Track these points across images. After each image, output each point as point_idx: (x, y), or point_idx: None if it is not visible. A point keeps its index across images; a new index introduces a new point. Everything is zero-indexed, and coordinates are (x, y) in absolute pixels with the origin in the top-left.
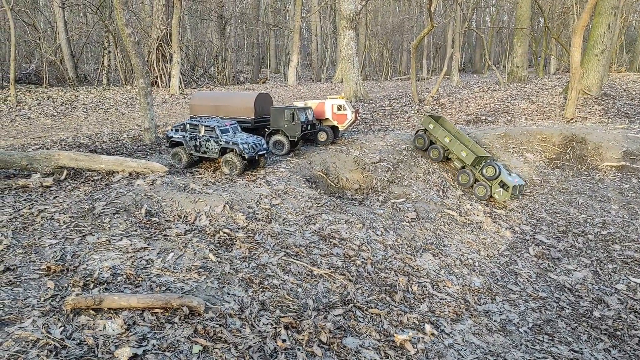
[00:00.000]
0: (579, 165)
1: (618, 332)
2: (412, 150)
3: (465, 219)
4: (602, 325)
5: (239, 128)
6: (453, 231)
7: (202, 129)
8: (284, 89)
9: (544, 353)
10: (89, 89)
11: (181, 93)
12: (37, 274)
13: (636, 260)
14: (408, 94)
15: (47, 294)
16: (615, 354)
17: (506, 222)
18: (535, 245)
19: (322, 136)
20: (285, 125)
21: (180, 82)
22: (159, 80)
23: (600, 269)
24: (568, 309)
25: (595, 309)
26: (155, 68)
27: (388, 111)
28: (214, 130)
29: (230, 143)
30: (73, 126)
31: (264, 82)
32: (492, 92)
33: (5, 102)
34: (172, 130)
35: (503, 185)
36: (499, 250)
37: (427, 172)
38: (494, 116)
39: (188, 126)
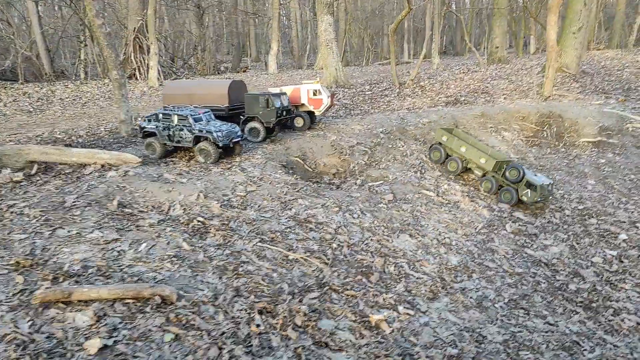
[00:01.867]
0: (557, 142)
1: (593, 304)
2: (389, 133)
3: (443, 199)
4: (577, 297)
5: (213, 116)
6: (430, 211)
7: (175, 118)
8: (264, 77)
9: (519, 327)
10: (66, 84)
11: (160, 85)
12: (5, 269)
13: (612, 234)
14: (389, 78)
15: (15, 288)
16: (590, 326)
17: (484, 201)
18: (512, 222)
19: (298, 122)
20: (260, 112)
21: (159, 73)
22: (137, 73)
23: (577, 243)
24: (544, 283)
25: (571, 282)
26: (133, 60)
27: (368, 96)
28: (187, 119)
29: (204, 131)
30: (50, 121)
31: (244, 71)
32: (472, 73)
33: None
34: (144, 120)
35: (530, 186)
36: (476, 229)
37: (404, 154)
38: (474, 97)
39: (161, 116)
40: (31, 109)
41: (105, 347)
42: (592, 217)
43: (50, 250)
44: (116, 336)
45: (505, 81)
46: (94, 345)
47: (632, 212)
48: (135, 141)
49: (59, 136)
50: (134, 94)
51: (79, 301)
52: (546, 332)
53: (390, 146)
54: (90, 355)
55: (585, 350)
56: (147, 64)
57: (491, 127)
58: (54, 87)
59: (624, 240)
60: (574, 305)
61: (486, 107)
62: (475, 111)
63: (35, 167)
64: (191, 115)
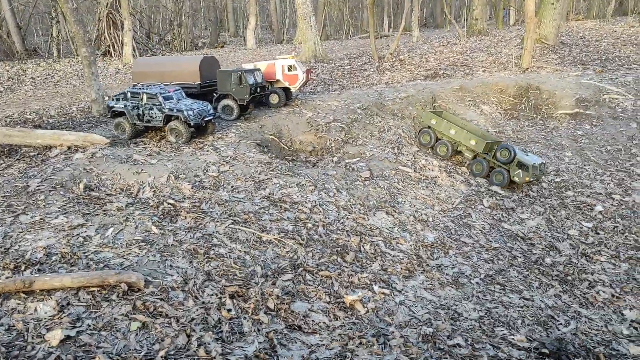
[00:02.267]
0: (534, 115)
1: (569, 277)
2: (366, 108)
3: (420, 174)
4: (553, 271)
5: (184, 94)
6: (407, 188)
7: (144, 97)
8: (243, 52)
9: (495, 303)
10: (38, 62)
11: None
12: None
13: (588, 205)
14: (368, 52)
15: None
16: (566, 299)
17: (461, 176)
18: (490, 196)
19: (274, 98)
20: (233, 89)
21: (134, 50)
22: (111, 49)
23: (554, 216)
24: (520, 257)
25: (547, 256)
26: (107, 37)
27: (347, 70)
28: (157, 97)
29: (175, 110)
30: (21, 101)
31: (222, 47)
32: (451, 46)
33: None
34: (113, 100)
35: (521, 166)
36: (453, 204)
37: (382, 129)
38: (453, 70)
39: (129, 95)
40: (1, 89)
41: (67, 337)
42: (569, 189)
43: (12, 238)
44: (80, 326)
45: (485, 53)
46: (55, 336)
47: (608, 183)
48: (106, 121)
49: (30, 116)
50: (108, 71)
51: (41, 291)
52: (522, 307)
53: (367, 122)
54: (51, 347)
55: (560, 324)
56: (122, 41)
57: (469, 100)
58: (25, 65)
59: (599, 212)
60: (550, 279)
61: (465, 81)
62: (454, 85)
63: None
64: (161, 93)
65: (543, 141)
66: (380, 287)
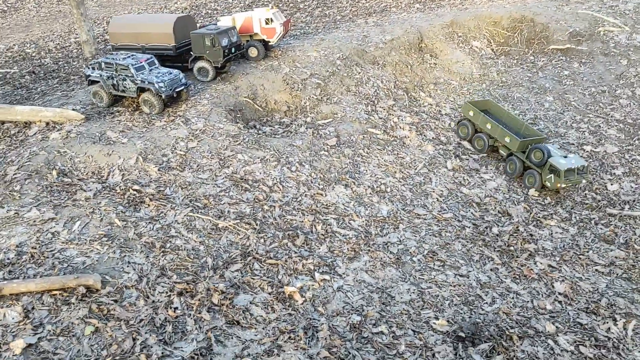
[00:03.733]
0: (526, 50)
1: (511, 248)
2: (346, 58)
3: (389, 135)
4: (497, 242)
5: (157, 62)
6: (372, 154)
7: (117, 67)
8: None
9: (430, 283)
10: None
11: None
12: None
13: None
14: None
15: None
16: (502, 273)
17: (434, 131)
18: (456, 156)
19: (252, 52)
20: (207, 52)
21: None
22: None
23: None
24: (469, 227)
25: (496, 225)
26: None
27: None
28: (129, 69)
29: (146, 82)
30: (24, 24)
31: None
32: None
33: None
34: (88, 68)
35: (553, 170)
36: (416, 169)
37: (359, 82)
38: None
39: (103, 65)
40: (5, 8)
41: (29, 345)
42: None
43: None
44: (41, 332)
45: None
46: (18, 345)
47: (584, 131)
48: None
49: (29, 50)
50: None
51: (10, 294)
52: (454, 286)
53: (345, 74)
54: (15, 355)
55: (486, 303)
56: None
57: (460, 36)
58: None
59: None
60: (492, 251)
61: (457, 13)
62: (445, 19)
63: None
64: (132, 65)
65: (527, 84)
66: (321, 272)
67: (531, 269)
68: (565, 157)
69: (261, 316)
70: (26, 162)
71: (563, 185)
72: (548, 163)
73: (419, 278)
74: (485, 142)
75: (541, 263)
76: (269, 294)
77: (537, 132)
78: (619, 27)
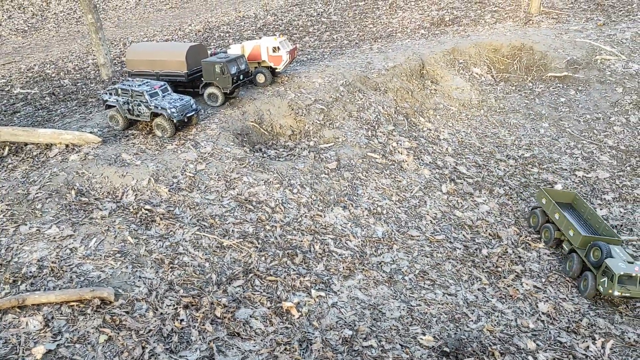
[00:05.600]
0: (525, 76)
1: (499, 269)
2: (350, 84)
3: (388, 160)
4: (486, 263)
5: (169, 89)
6: (370, 177)
7: (133, 94)
8: None
9: (419, 301)
10: None
11: None
12: None
13: (549, 184)
14: None
15: None
16: (488, 293)
17: (431, 156)
18: (451, 180)
19: (260, 78)
20: (217, 79)
21: None
22: None
23: (510, 199)
24: (460, 249)
25: (486, 247)
26: None
27: (360, 8)
28: (143, 95)
29: (159, 108)
30: (44, 44)
31: None
32: None
33: None
34: (106, 93)
35: (607, 272)
36: (412, 192)
37: (361, 108)
38: (464, 10)
39: (120, 90)
40: (26, 28)
41: (49, 351)
42: (535, 165)
43: (13, 249)
44: (59, 340)
45: None
46: (39, 351)
47: (577, 157)
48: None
49: (48, 71)
50: (129, 3)
51: (32, 305)
52: (442, 304)
53: (348, 100)
54: (36, 359)
55: (471, 321)
56: None
57: (461, 63)
58: None
59: None
60: (480, 272)
61: (459, 41)
62: (447, 46)
63: (7, 149)
64: (147, 91)
65: (524, 110)
66: (317, 289)
67: (517, 290)
68: (631, 262)
69: (260, 329)
70: (47, 182)
71: (617, 294)
72: (604, 264)
73: (409, 296)
74: (552, 234)
75: (527, 284)
76: (268, 308)
77: (613, 233)
78: (616, 55)
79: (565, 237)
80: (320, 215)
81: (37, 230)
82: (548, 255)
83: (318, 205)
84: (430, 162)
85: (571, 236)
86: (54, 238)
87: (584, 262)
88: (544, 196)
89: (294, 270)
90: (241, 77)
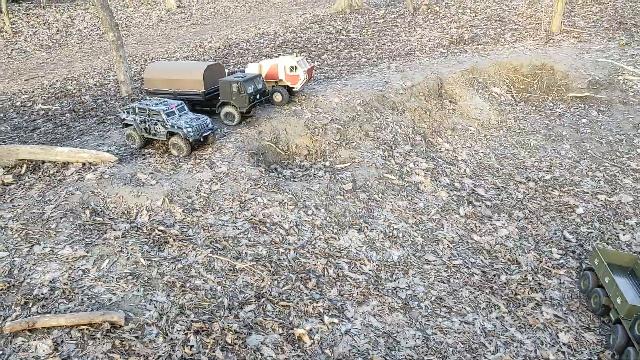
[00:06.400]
0: (546, 96)
1: (518, 297)
2: (367, 104)
3: (404, 181)
4: (504, 290)
5: (186, 108)
6: (386, 199)
7: (150, 113)
8: None
9: (435, 329)
10: (86, 7)
11: (178, 7)
12: None
13: (570, 208)
14: None
15: None
16: (507, 321)
17: (448, 177)
18: (469, 202)
19: (277, 97)
20: (234, 98)
21: None
22: None
23: (530, 223)
24: (477, 274)
25: (504, 273)
26: None
27: (379, 26)
28: (160, 114)
29: (176, 127)
30: (67, 60)
31: None
32: None
33: (2, 34)
34: (124, 112)
35: None
36: (428, 215)
37: (378, 128)
38: (483, 29)
39: (137, 109)
40: (50, 44)
41: None
42: (556, 188)
43: (26, 270)
44: None
45: (524, 3)
46: None
47: (599, 180)
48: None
49: (70, 87)
50: (151, 19)
51: (43, 328)
52: (459, 333)
53: (365, 120)
54: None
55: (488, 351)
56: None
57: (480, 82)
58: (74, 11)
59: (579, 215)
60: (498, 299)
61: (478, 60)
62: (466, 65)
63: (25, 167)
64: (164, 110)
65: (544, 131)
66: (330, 316)
67: (537, 319)
68: None
69: (271, 356)
70: (63, 201)
71: None
72: None
73: (425, 324)
74: (600, 300)
75: (547, 312)
76: (280, 335)
77: None
78: (639, 76)
79: (613, 305)
80: (335, 238)
81: (50, 250)
82: (570, 283)
83: (333, 228)
84: (447, 184)
85: (618, 304)
86: (67, 259)
87: (627, 336)
88: (597, 256)
89: (307, 295)
90: (258, 96)
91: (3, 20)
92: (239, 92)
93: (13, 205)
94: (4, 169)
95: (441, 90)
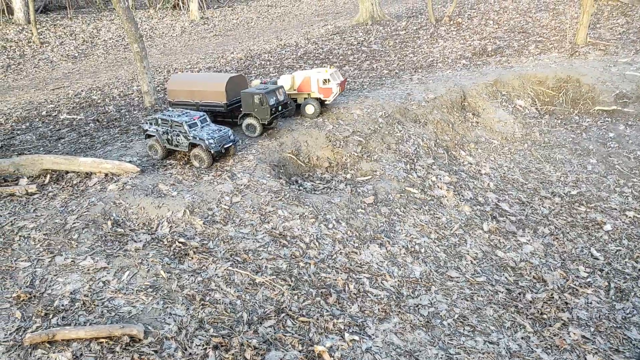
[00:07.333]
0: (572, 109)
1: (544, 316)
2: (389, 116)
3: (426, 195)
4: (530, 309)
5: (208, 119)
6: (408, 214)
7: (172, 124)
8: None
9: (458, 348)
10: (112, 18)
11: (202, 18)
12: (8, 302)
13: (597, 224)
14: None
15: (13, 326)
16: (532, 342)
17: (472, 191)
18: (493, 218)
19: (309, 109)
20: (255, 110)
21: (201, 3)
22: (180, 3)
23: (556, 239)
24: (502, 292)
25: (530, 291)
26: None
27: (401, 37)
28: (182, 125)
29: (197, 139)
30: (92, 70)
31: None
32: (518, 1)
33: (30, 44)
34: (146, 123)
35: None
36: (451, 230)
37: (400, 140)
38: (507, 41)
39: (160, 120)
40: (76, 54)
41: None
42: (583, 204)
43: (47, 281)
44: None
45: (548, 15)
46: None
47: (627, 196)
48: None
49: (95, 97)
50: (175, 30)
51: (62, 340)
52: (483, 353)
53: (386, 132)
54: None
55: None
56: None
57: (504, 95)
58: (100, 22)
59: (607, 232)
60: (524, 319)
61: (502, 72)
62: (489, 78)
63: (48, 176)
64: (186, 122)
65: (570, 145)
66: (351, 332)
67: (564, 339)
68: None
69: None
70: (85, 212)
71: None
72: None
73: (447, 343)
74: None
75: (574, 333)
76: (299, 351)
77: None
78: None
79: None
80: (356, 253)
81: (72, 261)
82: (598, 303)
83: (354, 242)
84: (471, 198)
85: None
86: (88, 270)
87: None
88: None
89: (327, 311)
90: (280, 108)
91: (31, 30)
92: (261, 103)
93: (36, 215)
94: (28, 178)
95: (464, 102)
